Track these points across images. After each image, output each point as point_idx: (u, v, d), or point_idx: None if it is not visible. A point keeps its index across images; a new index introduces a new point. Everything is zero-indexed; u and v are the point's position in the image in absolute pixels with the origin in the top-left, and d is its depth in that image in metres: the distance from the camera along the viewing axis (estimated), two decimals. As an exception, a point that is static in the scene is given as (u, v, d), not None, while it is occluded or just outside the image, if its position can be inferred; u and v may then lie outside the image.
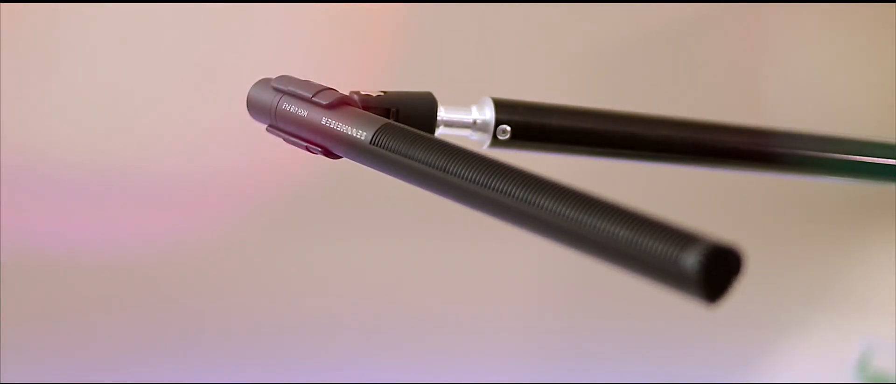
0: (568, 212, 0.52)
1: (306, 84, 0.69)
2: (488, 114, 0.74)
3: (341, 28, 1.33)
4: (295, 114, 0.68)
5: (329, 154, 0.67)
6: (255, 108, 0.72)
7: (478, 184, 0.56)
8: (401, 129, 0.63)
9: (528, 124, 0.75)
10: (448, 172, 0.58)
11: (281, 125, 0.70)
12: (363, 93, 0.70)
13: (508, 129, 0.74)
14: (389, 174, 0.63)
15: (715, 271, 0.47)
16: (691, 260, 0.47)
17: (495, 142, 0.74)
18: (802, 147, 0.80)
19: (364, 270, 1.40)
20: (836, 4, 1.40)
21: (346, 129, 0.65)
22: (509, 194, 0.55)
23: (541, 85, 1.38)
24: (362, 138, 0.64)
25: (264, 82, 0.71)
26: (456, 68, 1.37)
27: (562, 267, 1.44)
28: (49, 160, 1.29)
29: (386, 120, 0.64)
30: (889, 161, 0.80)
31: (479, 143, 0.75)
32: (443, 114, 0.73)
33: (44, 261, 1.31)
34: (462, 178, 0.57)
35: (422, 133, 0.62)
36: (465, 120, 0.74)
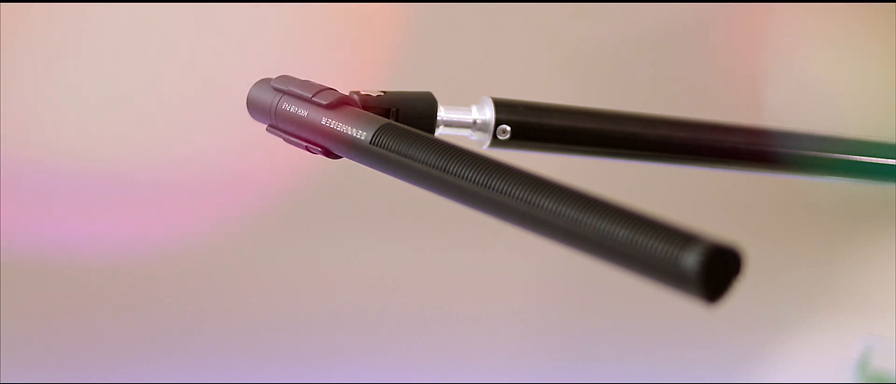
0: (568, 212, 0.52)
1: (306, 84, 0.69)
2: (488, 114, 0.74)
3: (341, 28, 1.33)
4: (295, 114, 0.68)
5: (329, 154, 0.67)
6: (255, 107, 0.71)
7: (478, 184, 0.56)
8: (401, 129, 0.63)
9: (528, 124, 0.75)
10: (448, 172, 0.58)
11: (281, 125, 0.69)
12: (363, 93, 0.70)
13: (508, 128, 0.74)
14: (389, 174, 0.62)
15: (715, 271, 0.47)
16: (691, 260, 0.47)
17: (495, 142, 0.74)
18: (802, 147, 0.79)
19: (364, 270, 1.40)
20: (836, 4, 1.40)
21: (346, 129, 0.65)
22: (509, 194, 0.55)
23: (541, 85, 1.38)
24: (362, 138, 0.64)
25: (264, 82, 0.71)
26: (456, 68, 1.37)
27: (562, 267, 1.44)
28: (49, 160, 1.29)
29: (386, 120, 0.64)
30: (889, 161, 0.80)
31: (479, 143, 0.75)
32: (443, 114, 0.73)
33: (43, 261, 1.31)
34: (462, 178, 0.57)
35: (422, 133, 0.62)
36: (465, 120, 0.74)
